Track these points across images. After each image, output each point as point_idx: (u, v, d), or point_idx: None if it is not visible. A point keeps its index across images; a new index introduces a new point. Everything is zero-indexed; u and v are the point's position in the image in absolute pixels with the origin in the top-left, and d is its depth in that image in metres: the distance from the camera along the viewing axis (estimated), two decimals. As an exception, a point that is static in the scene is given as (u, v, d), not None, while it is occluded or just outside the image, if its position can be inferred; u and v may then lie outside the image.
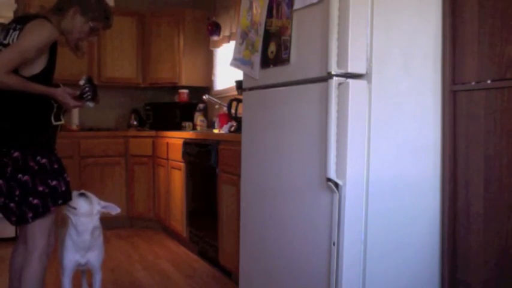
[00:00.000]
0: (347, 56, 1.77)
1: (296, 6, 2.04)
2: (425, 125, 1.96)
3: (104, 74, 4.82)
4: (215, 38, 4.67)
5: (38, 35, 2.06)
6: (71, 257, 2.37)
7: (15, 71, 2.03)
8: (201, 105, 4.84)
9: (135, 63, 5.00)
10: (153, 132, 4.69)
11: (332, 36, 1.80)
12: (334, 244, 1.82)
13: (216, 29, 4.58)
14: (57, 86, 2.20)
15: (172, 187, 4.20)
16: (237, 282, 2.82)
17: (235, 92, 3.88)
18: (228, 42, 4.46)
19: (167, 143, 4.32)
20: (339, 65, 1.79)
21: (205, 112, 4.90)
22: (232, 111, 3.56)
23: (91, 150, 4.52)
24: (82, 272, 2.75)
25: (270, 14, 2.23)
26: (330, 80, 1.80)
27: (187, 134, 3.94)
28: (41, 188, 2.09)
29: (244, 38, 2.43)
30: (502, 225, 1.77)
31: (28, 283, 2.10)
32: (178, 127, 4.77)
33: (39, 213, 2.10)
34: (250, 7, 2.39)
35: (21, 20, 2.13)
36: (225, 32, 4.53)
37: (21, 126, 2.10)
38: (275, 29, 2.19)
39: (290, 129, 2.09)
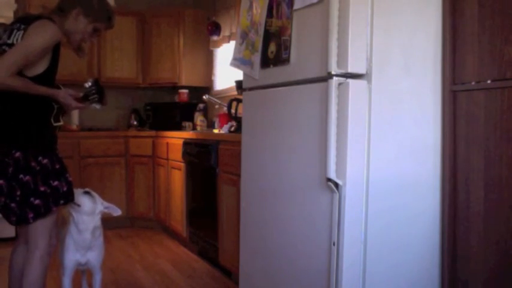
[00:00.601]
0: (347, 56, 1.77)
1: (296, 6, 2.04)
2: (425, 125, 1.96)
3: (104, 74, 4.81)
4: (215, 38, 4.67)
5: (43, 35, 2.06)
6: (71, 257, 2.37)
7: (18, 72, 2.03)
8: (201, 105, 4.84)
9: (135, 63, 5.00)
10: (153, 132, 4.69)
11: (332, 36, 1.80)
12: (334, 244, 1.82)
13: (216, 29, 4.58)
14: (57, 87, 2.20)
15: (172, 187, 4.20)
16: (237, 282, 2.82)
17: (235, 92, 3.88)
18: (228, 42, 4.46)
19: (167, 143, 4.32)
20: (339, 65, 1.79)
21: (205, 112, 4.90)
22: (232, 111, 3.56)
23: (91, 150, 4.52)
24: (82, 272, 2.75)
25: (270, 14, 2.23)
26: (330, 80, 1.80)
27: (187, 134, 3.94)
28: (42, 188, 2.09)
29: (244, 38, 2.43)
30: (502, 225, 1.77)
31: (29, 283, 2.10)
32: (178, 127, 4.77)
33: (40, 214, 2.10)
34: (250, 7, 2.39)
35: (25, 20, 2.13)
36: (225, 32, 4.53)
37: (22, 126, 2.10)
38: (275, 29, 2.19)
39: (290, 129, 2.10)
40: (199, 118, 4.72)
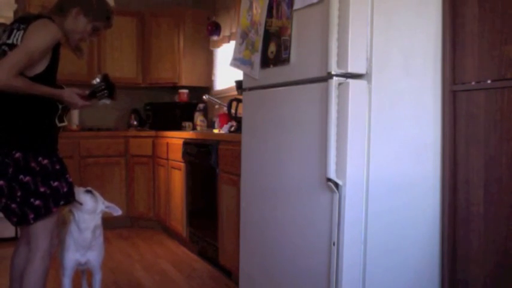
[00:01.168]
0: (347, 56, 1.77)
1: (296, 6, 2.04)
2: (425, 125, 1.96)
3: (104, 74, 4.81)
4: (215, 38, 4.67)
5: (44, 35, 2.05)
6: (71, 257, 2.37)
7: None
8: (201, 105, 4.84)
9: (135, 63, 5.00)
10: (153, 132, 4.69)
11: (332, 36, 1.80)
12: (334, 244, 1.82)
13: (216, 29, 4.58)
14: (60, 87, 2.20)
15: (172, 187, 4.20)
16: (237, 282, 2.82)
17: (235, 92, 3.88)
18: (228, 42, 4.46)
19: (167, 143, 4.32)
20: (339, 65, 1.79)
21: (205, 112, 4.90)
22: (232, 111, 3.56)
23: (91, 150, 4.52)
24: (82, 272, 2.75)
25: (270, 14, 2.23)
26: (330, 80, 1.80)
27: (187, 134, 3.94)
28: (42, 189, 2.08)
29: (244, 38, 2.43)
30: (502, 225, 1.77)
31: (30, 283, 2.10)
32: (178, 127, 4.77)
33: (40, 214, 2.09)
34: (250, 7, 2.39)
35: (24, 20, 2.12)
36: (225, 32, 4.53)
37: (26, 128, 2.10)
38: (275, 29, 2.19)
39: (290, 129, 2.10)
40: (199, 118, 4.72)
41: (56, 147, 2.21)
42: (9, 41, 2.08)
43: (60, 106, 2.21)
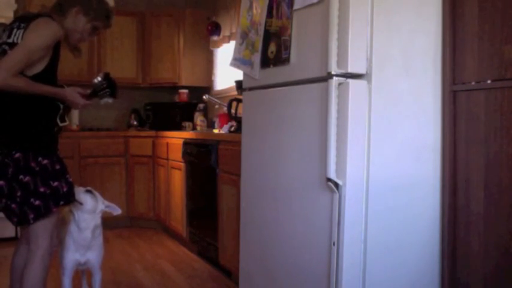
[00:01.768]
0: (347, 56, 1.77)
1: (296, 6, 2.04)
2: (425, 125, 1.96)
3: (104, 74, 4.81)
4: (215, 38, 4.67)
5: (44, 34, 2.05)
6: (71, 256, 2.37)
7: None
8: (201, 105, 4.84)
9: (135, 63, 5.00)
10: (153, 132, 4.69)
11: (332, 36, 1.80)
12: (334, 244, 1.82)
13: (216, 29, 4.58)
14: (61, 87, 2.20)
15: (172, 187, 4.20)
16: (237, 282, 2.82)
17: (235, 92, 3.88)
18: (228, 42, 4.46)
19: (167, 143, 4.32)
20: (339, 65, 1.79)
21: (205, 112, 4.90)
22: (232, 111, 3.56)
23: (91, 150, 4.52)
24: (82, 272, 2.75)
25: (270, 14, 2.23)
26: (330, 80, 1.80)
27: (187, 134, 3.94)
28: (42, 189, 2.08)
29: (244, 38, 2.43)
30: (502, 225, 1.77)
31: (30, 283, 2.10)
32: (178, 127, 4.77)
33: (40, 214, 2.09)
34: (250, 7, 2.39)
35: (24, 19, 2.12)
36: (225, 32, 4.53)
37: (26, 128, 2.10)
38: (275, 29, 2.19)
39: (290, 129, 2.10)
40: (199, 118, 4.72)
41: (56, 147, 2.21)
42: (10, 40, 2.08)
43: (61, 105, 2.21)
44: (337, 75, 1.80)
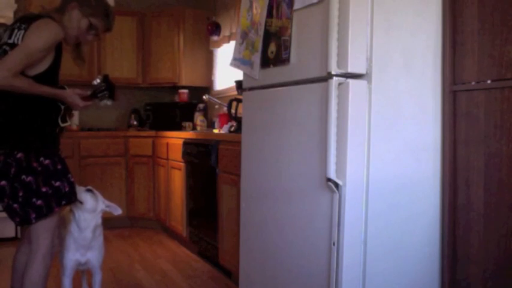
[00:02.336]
0: (347, 56, 1.77)
1: (296, 6, 2.04)
2: (425, 125, 1.96)
3: (104, 74, 4.81)
4: (215, 38, 4.67)
5: (45, 35, 2.05)
6: (71, 256, 2.37)
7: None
8: (201, 105, 4.84)
9: (135, 63, 5.00)
10: (153, 132, 4.69)
11: (332, 36, 1.80)
12: (334, 244, 1.82)
13: (216, 29, 4.58)
14: (62, 88, 2.20)
15: (172, 187, 4.20)
16: (237, 282, 2.82)
17: (235, 92, 3.88)
18: (228, 42, 4.46)
19: (167, 143, 4.32)
20: (339, 65, 1.79)
21: (205, 112, 4.90)
22: (232, 111, 3.56)
23: (91, 150, 4.52)
24: (82, 272, 2.75)
25: (270, 14, 2.23)
26: (330, 80, 1.80)
27: (187, 134, 3.94)
28: (44, 189, 2.09)
29: (244, 38, 2.43)
30: (502, 225, 1.77)
31: (31, 283, 2.10)
32: (178, 127, 4.77)
33: (42, 214, 2.10)
34: (250, 7, 2.39)
35: (25, 19, 2.12)
36: (225, 32, 4.53)
37: (28, 128, 2.10)
38: (275, 29, 2.19)
39: (290, 129, 2.10)
40: (199, 118, 4.73)
41: (57, 147, 2.21)
42: (10, 41, 2.08)
43: (62, 106, 2.21)
44: (337, 75, 1.80)
